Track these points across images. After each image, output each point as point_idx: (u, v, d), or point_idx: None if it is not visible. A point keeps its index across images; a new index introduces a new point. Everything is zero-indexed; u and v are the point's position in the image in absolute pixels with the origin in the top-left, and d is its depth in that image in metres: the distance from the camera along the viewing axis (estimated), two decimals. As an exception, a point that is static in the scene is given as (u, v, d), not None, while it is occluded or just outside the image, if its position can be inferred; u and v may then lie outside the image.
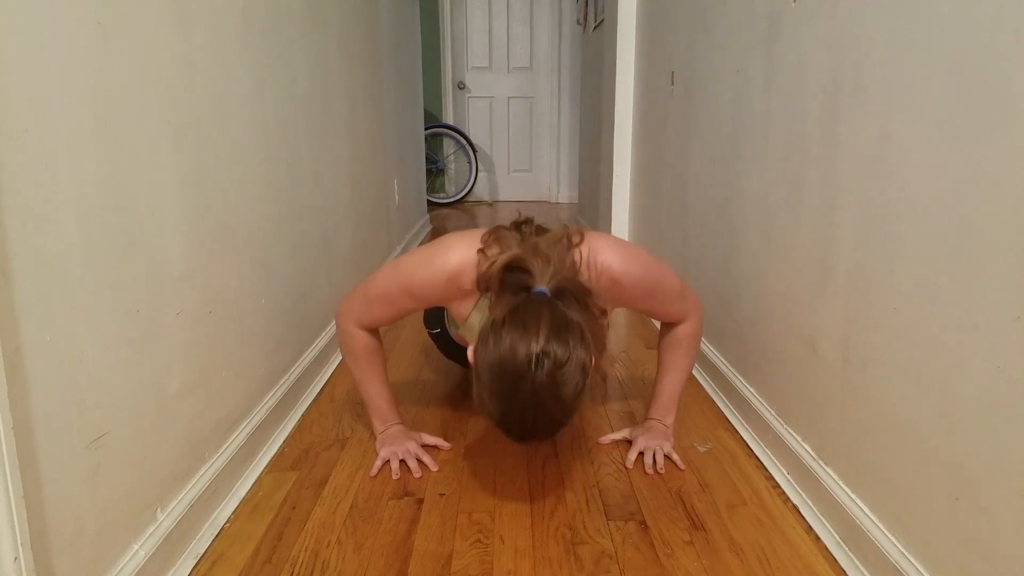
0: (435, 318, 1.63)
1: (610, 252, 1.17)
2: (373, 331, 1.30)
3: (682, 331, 1.33)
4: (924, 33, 0.84)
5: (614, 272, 1.16)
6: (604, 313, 1.14)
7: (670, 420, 1.37)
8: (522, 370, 0.94)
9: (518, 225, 1.20)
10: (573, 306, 1.04)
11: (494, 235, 1.15)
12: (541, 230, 1.21)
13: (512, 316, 0.99)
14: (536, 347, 0.94)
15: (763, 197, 1.37)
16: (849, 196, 1.02)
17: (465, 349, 1.56)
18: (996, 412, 0.72)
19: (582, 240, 1.14)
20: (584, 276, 1.10)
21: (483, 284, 1.11)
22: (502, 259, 1.08)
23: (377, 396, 1.35)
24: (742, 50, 1.50)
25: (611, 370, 2.03)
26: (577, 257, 1.12)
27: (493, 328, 0.99)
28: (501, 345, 0.97)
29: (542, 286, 1.04)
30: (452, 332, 1.55)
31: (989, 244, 0.73)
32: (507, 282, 1.07)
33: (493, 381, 0.98)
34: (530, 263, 1.06)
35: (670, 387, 1.37)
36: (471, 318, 1.21)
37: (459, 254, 1.15)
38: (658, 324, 1.39)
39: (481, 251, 1.13)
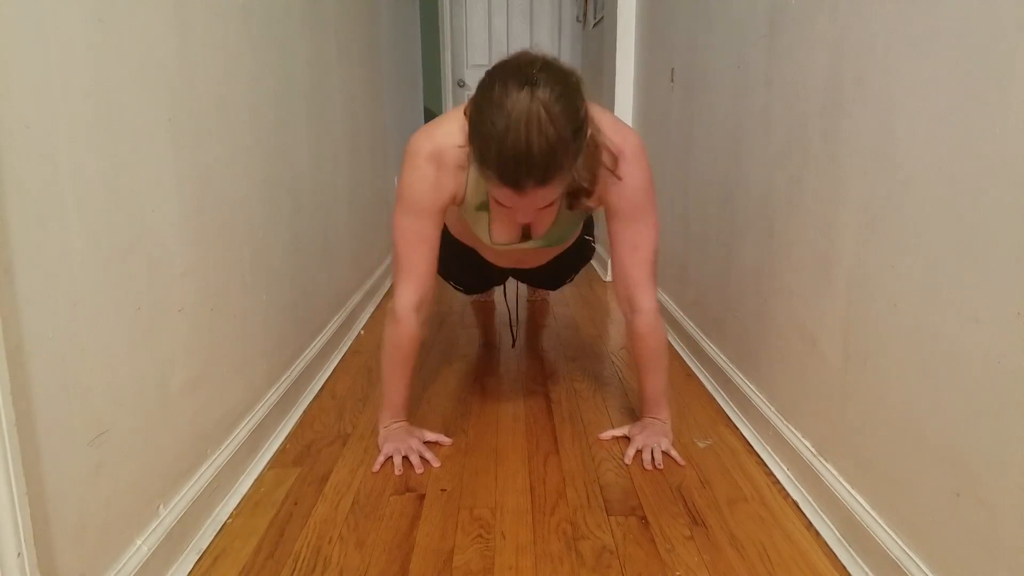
0: None
1: (635, 139, 1.20)
2: (421, 317, 1.30)
3: (644, 329, 1.32)
4: (925, 28, 0.84)
5: (626, 148, 1.18)
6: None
7: (665, 416, 1.38)
8: (517, 89, 0.97)
9: None
10: (574, 84, 1.04)
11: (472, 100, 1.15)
12: None
13: (506, 62, 1.02)
14: (532, 72, 0.98)
15: (764, 193, 1.37)
16: (850, 192, 1.02)
17: (467, 256, 1.57)
18: (997, 407, 0.73)
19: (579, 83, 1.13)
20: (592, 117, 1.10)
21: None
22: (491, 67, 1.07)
23: (397, 393, 1.36)
24: (743, 46, 1.50)
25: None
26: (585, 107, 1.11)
27: (487, 74, 1.02)
28: (496, 80, 1.00)
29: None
30: (451, 214, 1.52)
31: (990, 239, 0.73)
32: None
33: (487, 111, 0.99)
34: (524, 59, 1.04)
35: (650, 387, 1.38)
36: (468, 194, 1.23)
37: (427, 137, 1.20)
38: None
39: (464, 113, 1.12)
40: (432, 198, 1.23)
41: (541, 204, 1.06)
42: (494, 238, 1.38)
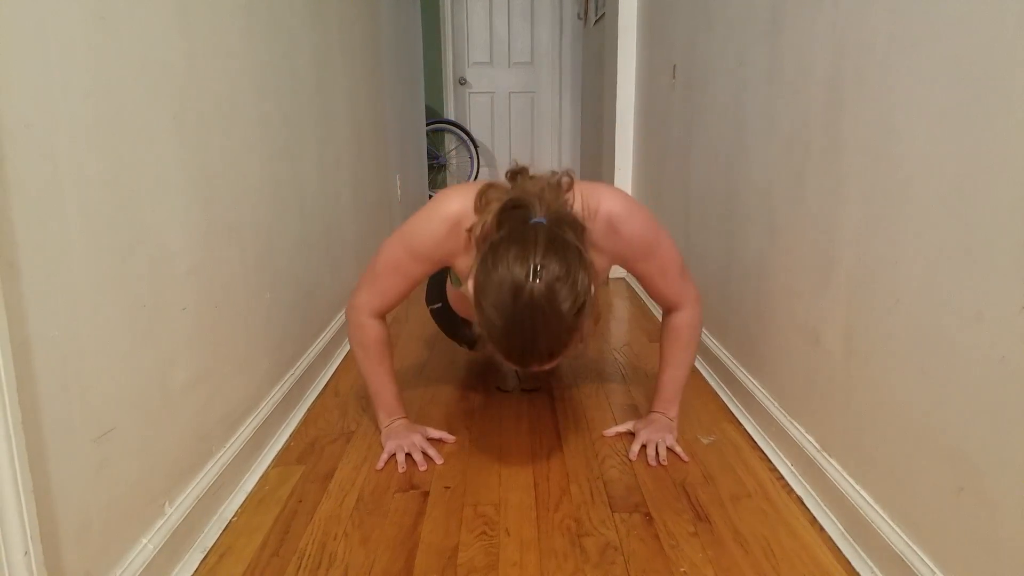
0: (436, 292, 1.64)
1: (612, 199, 1.19)
2: (383, 320, 1.30)
3: (680, 322, 1.33)
4: (927, 25, 0.84)
5: (614, 217, 1.17)
6: (599, 253, 1.16)
7: (673, 413, 1.38)
8: (520, 281, 0.97)
9: (513, 174, 1.21)
10: (570, 234, 1.05)
11: (489, 185, 1.17)
12: (535, 178, 1.20)
13: (510, 235, 1.02)
14: (535, 260, 0.97)
15: (766, 190, 1.37)
16: (852, 188, 1.02)
17: (467, 324, 1.56)
18: (1000, 402, 0.73)
19: (572, 182, 1.15)
20: (579, 215, 1.11)
21: (481, 231, 1.11)
22: (498, 203, 1.09)
23: (385, 390, 1.35)
24: (744, 43, 1.50)
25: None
26: (571, 198, 1.13)
27: (491, 248, 1.02)
28: (500, 262, 0.99)
29: (539, 216, 1.05)
30: (452, 294, 1.55)
31: (992, 235, 0.73)
32: (505, 222, 1.08)
33: (492, 296, 0.99)
34: (527, 201, 1.07)
35: (671, 381, 1.37)
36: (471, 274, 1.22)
37: (457, 203, 1.17)
38: (659, 316, 1.39)
39: (477, 200, 1.14)
40: (433, 253, 1.21)
41: (545, 372, 1.07)
42: None
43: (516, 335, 0.99)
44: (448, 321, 1.68)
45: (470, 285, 1.06)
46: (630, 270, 1.29)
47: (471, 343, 1.88)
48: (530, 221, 1.04)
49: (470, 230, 1.13)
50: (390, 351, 1.34)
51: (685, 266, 1.30)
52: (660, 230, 1.24)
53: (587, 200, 1.15)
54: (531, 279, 0.96)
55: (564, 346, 1.02)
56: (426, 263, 1.23)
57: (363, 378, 1.36)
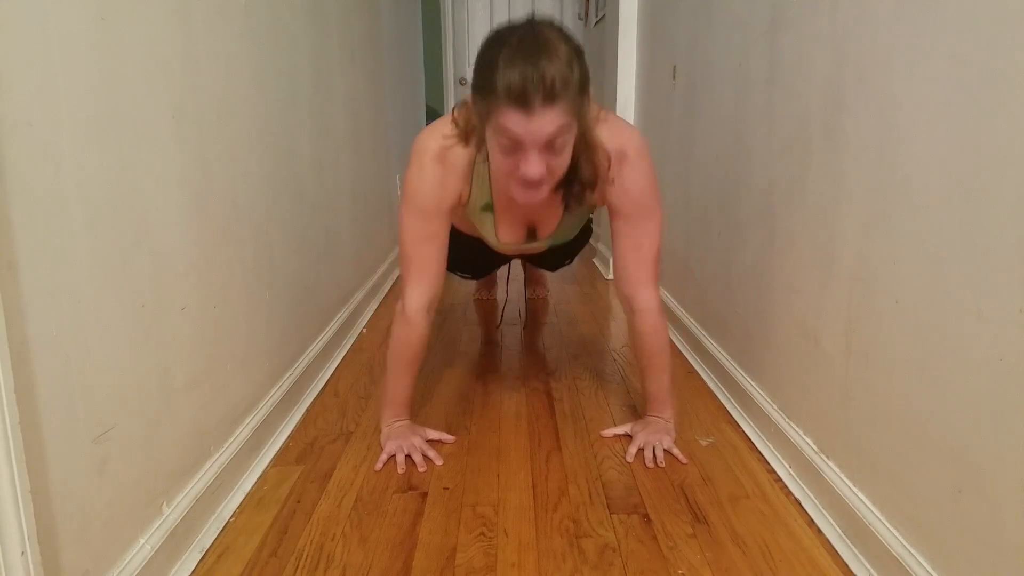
0: None
1: (639, 139, 1.21)
2: (431, 318, 1.31)
3: (646, 327, 1.32)
4: (926, 25, 0.84)
5: (630, 149, 1.19)
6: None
7: (668, 414, 1.38)
8: (520, 21, 1.02)
9: None
10: None
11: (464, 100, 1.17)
12: None
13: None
14: (532, 19, 1.03)
15: (766, 190, 1.37)
16: (852, 188, 1.02)
17: (472, 243, 1.57)
18: (999, 403, 0.73)
19: (600, 108, 1.16)
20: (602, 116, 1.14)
21: (468, 123, 1.13)
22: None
23: (402, 392, 1.36)
24: (744, 43, 1.50)
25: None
26: (595, 111, 1.14)
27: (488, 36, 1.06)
28: (497, 30, 1.04)
29: None
30: (459, 225, 1.54)
31: (992, 235, 0.73)
32: None
33: (490, 40, 1.03)
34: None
35: (655, 385, 1.37)
36: (472, 195, 1.24)
37: (435, 137, 1.20)
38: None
39: (454, 111, 1.16)
40: (439, 198, 1.23)
41: (549, 131, 1.01)
42: (500, 239, 1.39)
43: (516, 54, 0.98)
44: (453, 242, 1.66)
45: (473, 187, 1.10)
46: (613, 223, 1.29)
47: (473, 269, 1.92)
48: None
49: (455, 118, 1.15)
50: (423, 356, 1.34)
51: (658, 267, 1.31)
52: (658, 203, 1.25)
53: (611, 123, 1.17)
54: (527, 22, 1.02)
55: (566, 81, 1.00)
56: (440, 216, 1.24)
57: (387, 372, 1.36)
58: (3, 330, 0.65)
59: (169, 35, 1.01)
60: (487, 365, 1.84)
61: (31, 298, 0.71)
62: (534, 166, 1.04)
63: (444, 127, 1.21)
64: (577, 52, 1.04)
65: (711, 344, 1.73)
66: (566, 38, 1.03)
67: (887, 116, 0.93)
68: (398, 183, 3.10)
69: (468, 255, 1.70)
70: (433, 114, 5.21)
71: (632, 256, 1.29)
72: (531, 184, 1.08)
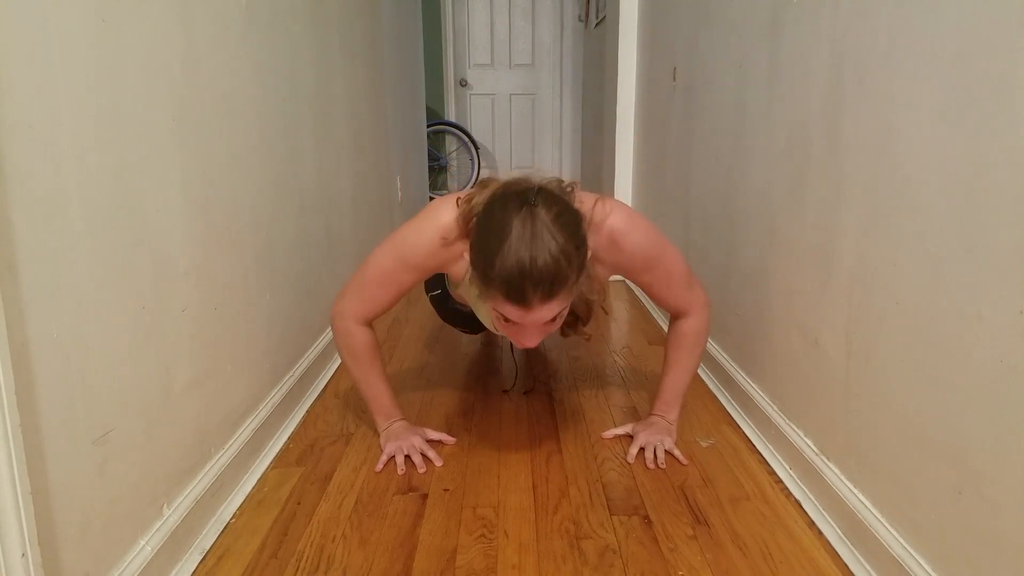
0: (435, 280, 1.64)
1: (617, 211, 1.18)
2: (370, 327, 1.30)
3: (686, 327, 1.32)
4: (926, 26, 0.84)
5: (616, 230, 1.16)
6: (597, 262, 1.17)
7: (673, 416, 1.38)
8: (518, 209, 0.99)
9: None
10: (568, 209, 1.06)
11: (480, 183, 1.16)
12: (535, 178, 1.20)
13: (506, 189, 1.05)
14: (531, 195, 1.00)
15: (766, 191, 1.37)
16: (852, 190, 1.02)
17: (466, 311, 1.57)
18: (1000, 404, 0.73)
19: (575, 189, 1.14)
20: (584, 216, 1.11)
21: (470, 213, 1.10)
22: (490, 189, 1.09)
23: (379, 394, 1.35)
24: (744, 45, 1.50)
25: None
26: (575, 198, 1.12)
27: (487, 203, 1.04)
28: (496, 204, 1.02)
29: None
30: (452, 292, 1.55)
31: (992, 236, 0.73)
32: (499, 197, 1.06)
33: (488, 232, 1.01)
34: (525, 186, 1.06)
35: (673, 384, 1.37)
36: (467, 275, 1.21)
37: (449, 212, 1.15)
38: (667, 319, 1.39)
39: (466, 199, 1.13)
40: (425, 263, 1.20)
41: (546, 318, 1.05)
42: (496, 329, 1.38)
43: (515, 260, 0.97)
44: (447, 307, 1.67)
45: (466, 275, 1.05)
46: (634, 281, 1.29)
47: (470, 327, 1.89)
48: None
49: (460, 216, 1.12)
50: (380, 355, 1.33)
51: (692, 274, 1.29)
52: (663, 242, 1.23)
53: (591, 207, 1.14)
54: (529, 206, 0.99)
55: (565, 279, 1.00)
56: (418, 272, 1.22)
57: (355, 384, 1.36)
58: (3, 332, 0.65)
59: (170, 36, 1.01)
60: (487, 366, 1.84)
61: (32, 299, 0.71)
62: (530, 340, 1.10)
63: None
64: (574, 235, 1.01)
65: (711, 345, 1.73)
66: (563, 221, 1.00)
67: (887, 117, 0.93)
68: (398, 184, 3.10)
69: (465, 317, 1.68)
70: (433, 115, 5.23)
71: (668, 293, 1.29)
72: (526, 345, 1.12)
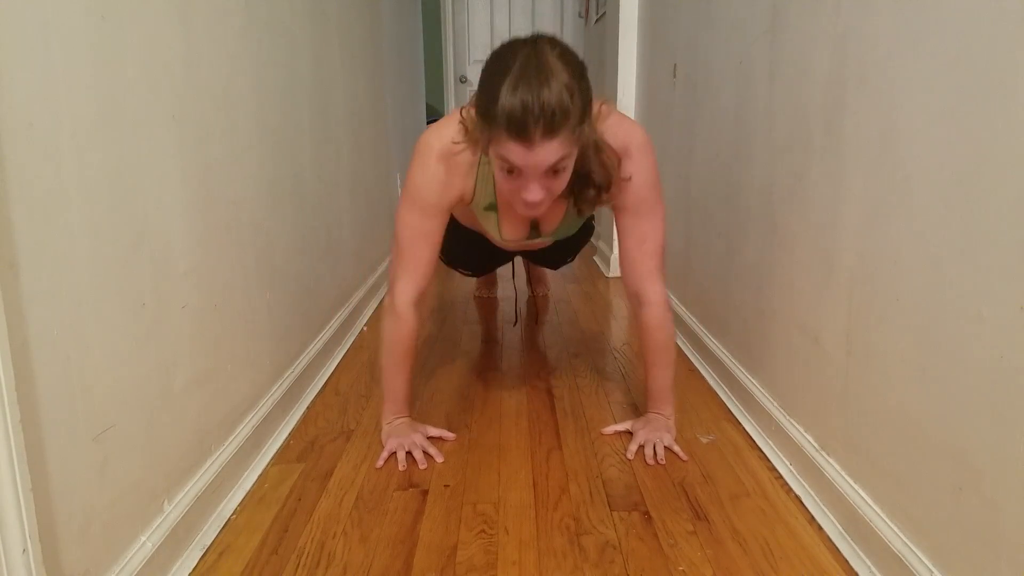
0: None
1: (641, 132, 1.21)
2: (419, 312, 1.31)
3: (652, 323, 1.32)
4: (928, 24, 0.84)
5: (634, 142, 1.19)
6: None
7: (669, 411, 1.38)
8: (523, 42, 1.01)
9: None
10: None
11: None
12: None
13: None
14: (536, 37, 1.02)
15: (766, 189, 1.37)
16: (853, 188, 1.02)
17: (473, 237, 1.57)
18: (999, 402, 0.73)
19: (603, 104, 1.16)
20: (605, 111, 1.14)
21: (473, 128, 1.11)
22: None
23: (399, 389, 1.36)
24: (745, 42, 1.49)
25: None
26: (602, 114, 1.14)
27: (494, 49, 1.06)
28: (502, 45, 1.04)
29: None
30: (461, 220, 1.55)
31: (993, 234, 0.73)
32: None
33: (492, 62, 1.03)
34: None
35: (657, 381, 1.37)
36: (476, 195, 1.24)
37: (440, 135, 1.19)
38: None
39: (460, 112, 1.15)
40: (440, 196, 1.23)
41: (550, 161, 1.03)
42: (504, 235, 1.39)
43: (517, 86, 0.97)
44: (451, 241, 1.67)
45: (476, 191, 1.10)
46: (616, 215, 1.29)
47: (474, 265, 1.92)
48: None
49: (463, 121, 1.14)
50: (416, 350, 1.35)
51: (663, 261, 1.31)
52: (661, 194, 1.25)
53: (614, 119, 1.17)
54: (531, 43, 1.01)
55: (568, 111, 0.99)
56: (438, 213, 1.25)
57: (383, 370, 1.36)
58: (4, 329, 0.65)
59: (170, 35, 1.01)
60: (487, 363, 1.85)
61: (32, 297, 0.71)
62: (534, 192, 1.08)
63: (449, 127, 1.21)
64: (579, 75, 1.03)
65: (712, 342, 1.74)
66: (568, 60, 1.02)
67: (888, 115, 0.93)
68: (398, 182, 3.10)
69: (469, 250, 1.70)
70: (433, 112, 5.22)
71: (638, 250, 1.29)
72: (532, 204, 1.10)
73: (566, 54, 1.03)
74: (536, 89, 0.97)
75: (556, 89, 0.98)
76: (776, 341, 1.33)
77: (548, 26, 5.32)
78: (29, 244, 0.71)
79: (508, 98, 0.98)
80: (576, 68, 1.03)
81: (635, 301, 1.34)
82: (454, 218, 1.56)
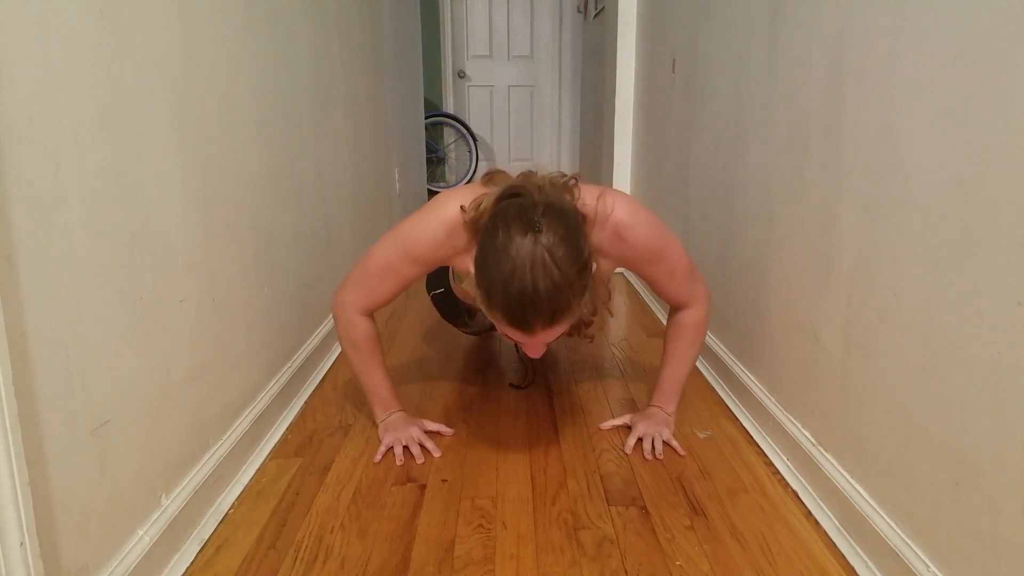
0: (438, 278, 1.64)
1: (621, 204, 1.18)
2: (371, 318, 1.30)
3: (687, 319, 1.32)
4: (927, 21, 0.84)
5: (620, 224, 1.17)
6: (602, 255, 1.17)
7: (671, 408, 1.38)
8: (521, 237, 0.98)
9: (521, 175, 1.19)
10: (570, 213, 1.06)
11: (488, 177, 1.17)
12: (539, 175, 1.18)
13: (509, 209, 1.03)
14: (536, 218, 1.00)
15: (765, 185, 1.37)
16: (852, 184, 1.02)
17: (469, 309, 1.57)
18: (997, 398, 0.73)
19: (577, 183, 1.14)
20: (588, 213, 1.11)
21: (477, 215, 1.10)
22: (496, 191, 1.09)
23: (379, 385, 1.35)
24: (744, 37, 1.49)
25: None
26: (576, 195, 1.13)
27: (491, 220, 1.04)
28: (499, 228, 1.01)
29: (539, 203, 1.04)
30: (455, 286, 1.55)
31: (992, 232, 0.73)
32: (503, 206, 1.07)
33: (492, 258, 1.00)
34: (527, 190, 1.06)
35: (672, 376, 1.37)
36: (468, 278, 1.21)
37: (453, 208, 1.15)
38: (666, 312, 1.39)
39: (474, 205, 1.12)
40: (429, 256, 1.20)
41: (549, 339, 1.07)
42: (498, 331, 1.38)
43: (516, 287, 0.98)
44: (450, 306, 1.67)
45: (471, 270, 1.06)
46: (637, 273, 1.29)
47: (472, 328, 1.89)
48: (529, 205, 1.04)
49: (468, 222, 1.12)
50: (380, 346, 1.33)
51: (693, 266, 1.30)
52: (666, 234, 1.24)
53: (594, 203, 1.14)
54: (533, 232, 0.98)
55: (567, 306, 1.01)
56: (422, 265, 1.22)
57: (355, 374, 1.36)
58: (2, 323, 0.65)
59: (169, 31, 1.00)
60: (485, 358, 1.85)
61: (30, 291, 0.71)
62: (535, 352, 1.13)
63: (471, 199, 1.15)
64: (578, 261, 1.00)
65: (710, 338, 1.74)
66: (568, 247, 0.99)
67: (887, 112, 0.93)
68: (397, 177, 3.09)
69: (467, 315, 1.68)
70: (431, 106, 5.21)
71: (669, 285, 1.29)
72: (531, 356, 1.14)
73: (565, 238, 1.00)
74: (534, 293, 0.97)
75: (556, 288, 0.98)
76: (774, 338, 1.33)
77: (547, 21, 5.31)
78: (27, 239, 0.70)
79: (507, 298, 0.99)
80: (574, 253, 1.00)
81: (678, 307, 1.34)
82: (451, 290, 1.59)
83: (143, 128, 0.93)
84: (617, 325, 2.15)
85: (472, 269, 1.11)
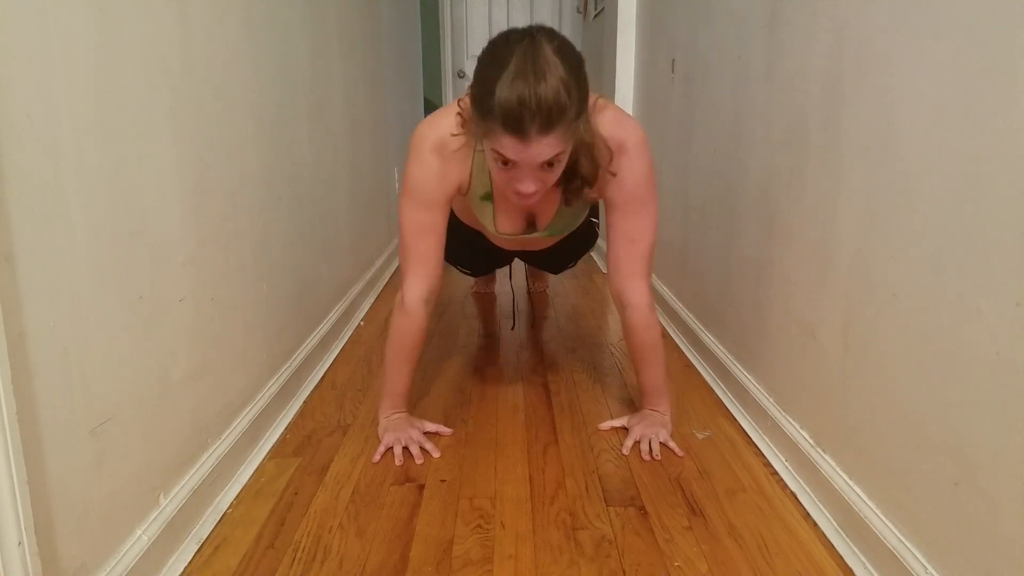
0: None
1: (638, 131, 1.20)
2: (429, 307, 1.31)
3: (639, 324, 1.32)
4: (926, 19, 0.84)
5: (630, 140, 1.19)
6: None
7: (664, 407, 1.38)
8: (519, 38, 1.00)
9: None
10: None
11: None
12: None
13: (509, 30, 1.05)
14: (534, 30, 1.01)
15: (764, 184, 1.37)
16: (851, 183, 1.02)
17: (473, 237, 1.58)
18: (996, 397, 0.73)
19: (599, 98, 1.16)
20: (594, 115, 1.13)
21: (470, 117, 1.11)
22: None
23: (400, 383, 1.36)
24: (743, 37, 1.49)
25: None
26: (598, 108, 1.14)
27: (490, 41, 1.05)
28: (498, 38, 1.03)
29: None
30: (459, 214, 1.55)
31: (990, 230, 0.73)
32: None
33: (489, 57, 1.02)
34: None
35: (650, 379, 1.37)
36: (472, 184, 1.25)
37: (434, 128, 1.20)
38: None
39: (458, 103, 1.16)
40: (438, 189, 1.23)
41: (545, 156, 1.03)
42: (499, 228, 1.39)
43: (513, 82, 0.97)
44: (449, 237, 1.67)
45: (473, 181, 1.11)
46: (608, 213, 1.30)
47: (474, 264, 1.92)
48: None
49: (460, 112, 1.14)
50: (421, 348, 1.35)
51: (651, 263, 1.32)
52: (655, 196, 1.25)
53: (612, 114, 1.17)
54: (528, 36, 1.00)
55: (564, 109, 0.99)
56: (438, 205, 1.25)
57: (386, 363, 1.36)
58: (1, 322, 0.65)
59: (168, 28, 1.00)
60: (485, 358, 1.85)
61: (29, 289, 0.71)
62: (528, 185, 1.09)
63: (444, 117, 1.21)
64: (576, 70, 1.02)
65: (708, 338, 1.74)
66: (565, 54, 1.01)
67: (886, 112, 0.93)
68: (396, 176, 3.09)
69: (469, 248, 1.70)
70: (431, 107, 5.21)
71: (626, 249, 1.29)
72: (525, 195, 1.11)
73: (564, 47, 1.02)
74: (533, 85, 0.97)
75: (553, 85, 0.97)
76: (773, 337, 1.33)
77: (546, 21, 5.30)
78: (27, 236, 0.70)
79: (504, 93, 0.98)
80: (574, 62, 1.02)
81: (619, 302, 1.34)
82: (454, 214, 1.57)
83: (142, 127, 0.93)
84: (615, 325, 2.15)
85: (471, 174, 1.17)
